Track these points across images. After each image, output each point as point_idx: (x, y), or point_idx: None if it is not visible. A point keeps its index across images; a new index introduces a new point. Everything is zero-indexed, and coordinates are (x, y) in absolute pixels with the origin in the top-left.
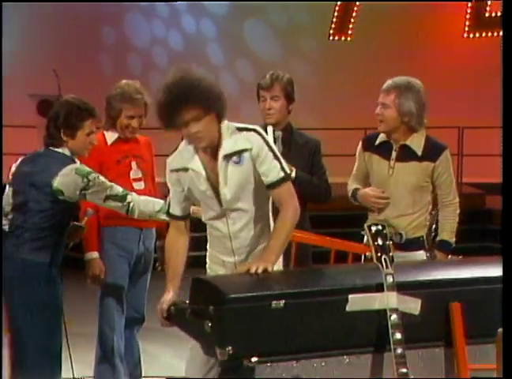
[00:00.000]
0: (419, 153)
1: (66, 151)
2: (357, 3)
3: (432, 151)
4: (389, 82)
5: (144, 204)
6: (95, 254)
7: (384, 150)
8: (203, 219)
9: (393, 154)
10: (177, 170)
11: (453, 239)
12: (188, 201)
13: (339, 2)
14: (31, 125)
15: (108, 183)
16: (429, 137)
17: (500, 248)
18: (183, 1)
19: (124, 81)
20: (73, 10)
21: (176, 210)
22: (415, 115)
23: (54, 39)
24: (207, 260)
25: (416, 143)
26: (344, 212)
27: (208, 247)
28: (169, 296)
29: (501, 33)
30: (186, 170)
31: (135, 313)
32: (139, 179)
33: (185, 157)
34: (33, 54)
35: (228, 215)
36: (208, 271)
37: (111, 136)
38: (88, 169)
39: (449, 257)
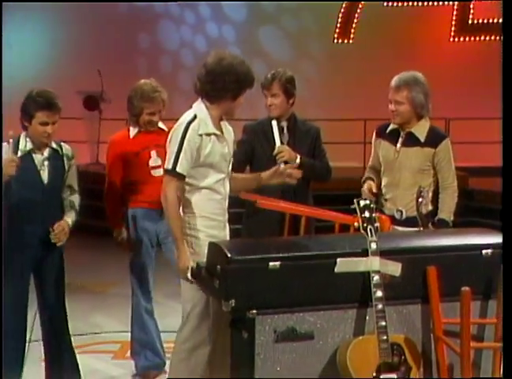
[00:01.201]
0: (422, 140)
1: (22, 136)
2: (358, 10)
3: (434, 139)
4: (397, 80)
5: None
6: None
7: (392, 137)
8: (205, 185)
9: (400, 140)
10: (200, 135)
11: (451, 218)
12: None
13: (342, 9)
14: (78, 117)
15: None
16: (433, 127)
17: (480, 222)
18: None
19: (142, 81)
20: (114, 18)
21: (185, 170)
22: (425, 105)
23: (98, 44)
24: (200, 227)
25: (420, 131)
26: (346, 191)
27: (201, 214)
28: (187, 254)
29: (483, 38)
30: (210, 135)
31: None
32: (158, 167)
33: (209, 125)
34: (80, 56)
35: (227, 178)
36: (201, 236)
37: (132, 131)
38: None
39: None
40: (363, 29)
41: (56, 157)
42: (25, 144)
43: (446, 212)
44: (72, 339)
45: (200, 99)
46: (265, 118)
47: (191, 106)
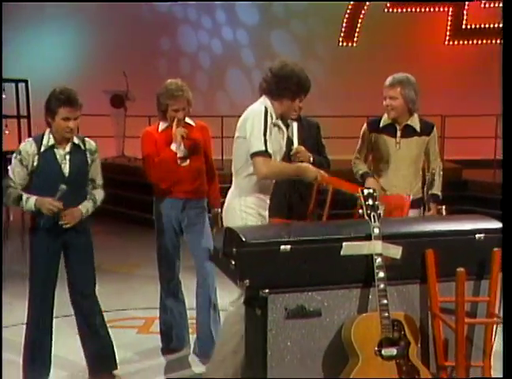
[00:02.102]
0: (418, 130)
1: (46, 132)
2: (361, 16)
3: (426, 128)
4: (391, 79)
5: (12, 195)
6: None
7: (390, 130)
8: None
9: (398, 133)
10: (273, 124)
11: (440, 193)
12: None
13: (347, 15)
14: (105, 114)
15: (13, 174)
16: (421, 117)
17: (473, 210)
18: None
19: (169, 81)
20: (138, 23)
21: (270, 149)
22: (415, 101)
23: (123, 47)
24: (253, 206)
25: (415, 122)
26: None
27: (255, 195)
28: (309, 166)
29: (475, 41)
30: (276, 125)
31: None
32: (184, 158)
33: (274, 117)
34: (107, 58)
35: None
36: (253, 213)
37: (162, 125)
38: (20, 150)
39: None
40: (366, 33)
41: (78, 151)
42: (48, 139)
43: (438, 187)
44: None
45: (263, 97)
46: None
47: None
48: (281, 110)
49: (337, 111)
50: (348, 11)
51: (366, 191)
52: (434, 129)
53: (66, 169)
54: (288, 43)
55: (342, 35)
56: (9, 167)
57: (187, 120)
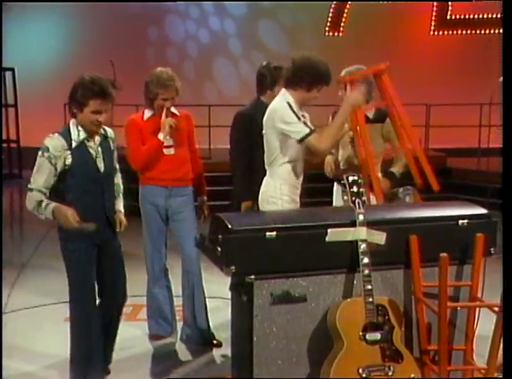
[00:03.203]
0: (371, 117)
1: (72, 125)
2: (347, 6)
3: (380, 116)
4: (344, 71)
5: (34, 199)
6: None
7: None
8: (293, 159)
9: None
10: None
11: (399, 173)
12: None
13: (333, 5)
14: None
15: (32, 173)
16: (377, 107)
17: (457, 197)
18: (209, 2)
19: (159, 69)
20: (126, 13)
21: (312, 126)
22: (367, 92)
23: (111, 36)
24: (286, 192)
25: (369, 111)
26: None
27: (289, 182)
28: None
29: (460, 32)
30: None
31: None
32: (169, 146)
33: (296, 109)
34: (94, 47)
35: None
36: (286, 199)
37: (147, 113)
38: (48, 147)
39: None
40: (352, 23)
41: (105, 142)
42: (77, 133)
43: (398, 167)
44: None
45: (284, 89)
46: (257, 105)
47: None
48: (298, 100)
49: (325, 101)
50: (335, 1)
51: (351, 178)
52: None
53: (101, 164)
54: (275, 33)
55: (328, 25)
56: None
57: (172, 109)
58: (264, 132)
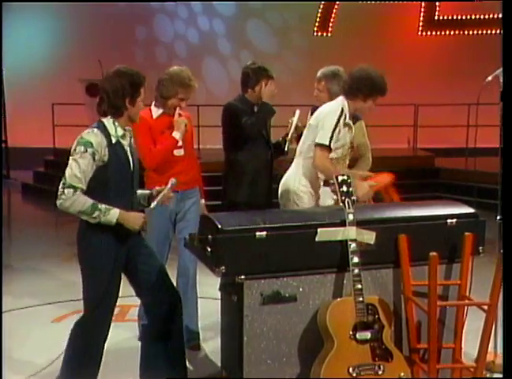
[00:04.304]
0: None
1: (108, 122)
2: (336, 6)
3: (352, 120)
4: (319, 73)
5: (79, 200)
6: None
7: None
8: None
9: None
10: (345, 124)
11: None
12: None
13: (321, 5)
14: (80, 102)
15: (73, 171)
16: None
17: (445, 196)
18: (198, 2)
19: (177, 68)
20: (114, 12)
21: (332, 145)
22: (340, 94)
23: (99, 36)
24: (300, 187)
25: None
26: None
27: (301, 180)
28: (363, 183)
29: (447, 32)
30: (347, 125)
31: None
32: (179, 147)
33: (346, 118)
34: (82, 47)
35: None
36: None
37: (156, 111)
38: (91, 142)
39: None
40: (341, 23)
41: (130, 139)
42: (115, 129)
43: (362, 168)
44: (74, 304)
45: (343, 97)
46: (242, 101)
47: None
48: (353, 110)
49: (313, 100)
50: (323, 1)
51: (340, 178)
52: (360, 122)
53: (131, 161)
54: (264, 33)
55: (317, 25)
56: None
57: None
58: (309, 122)
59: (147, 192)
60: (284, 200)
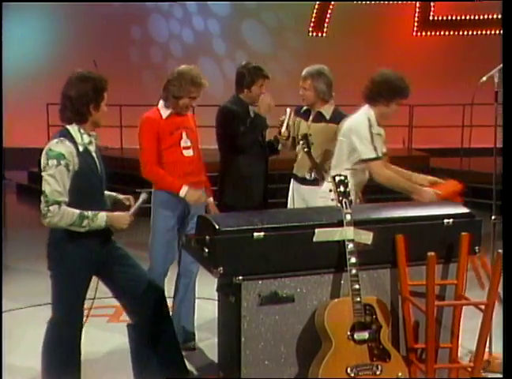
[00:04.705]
0: (328, 117)
1: (74, 129)
2: (330, 7)
3: (337, 117)
4: (305, 71)
5: (67, 214)
6: (184, 189)
7: (306, 115)
8: (351, 167)
9: (311, 117)
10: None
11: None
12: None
13: (317, 5)
14: None
15: (52, 187)
16: (336, 108)
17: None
18: (192, 2)
19: (186, 66)
20: (109, 13)
21: (381, 153)
22: (326, 92)
23: (94, 36)
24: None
25: (327, 110)
26: None
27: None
28: (426, 189)
29: (442, 33)
30: (377, 134)
31: None
32: (188, 147)
33: (375, 127)
34: (77, 47)
35: None
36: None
37: (164, 112)
38: (63, 153)
39: None
40: (335, 24)
41: (96, 145)
42: (81, 136)
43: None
44: None
45: (367, 105)
46: (237, 102)
47: None
48: (378, 115)
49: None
50: (318, 2)
51: (337, 178)
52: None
53: (99, 167)
54: (259, 33)
55: (312, 25)
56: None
57: None
58: (338, 137)
59: (113, 194)
60: None
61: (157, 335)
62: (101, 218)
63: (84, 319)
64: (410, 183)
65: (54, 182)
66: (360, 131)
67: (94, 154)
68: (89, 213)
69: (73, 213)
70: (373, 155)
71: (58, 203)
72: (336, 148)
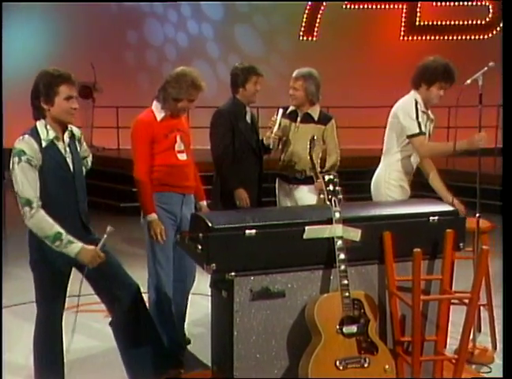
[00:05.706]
0: (316, 118)
1: (40, 125)
2: (320, 11)
3: (324, 118)
4: (296, 72)
5: (41, 224)
6: (153, 216)
7: (293, 116)
8: (410, 153)
9: (299, 118)
10: (422, 112)
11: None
12: None
13: (307, 10)
14: None
15: (19, 185)
16: (321, 110)
17: (427, 195)
18: (186, 2)
19: (186, 68)
20: (105, 17)
21: (425, 130)
22: (315, 94)
23: (91, 39)
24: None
25: (314, 112)
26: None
27: (403, 171)
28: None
29: (428, 37)
30: (423, 112)
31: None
32: (182, 151)
33: (421, 106)
34: (75, 50)
35: None
36: (404, 185)
37: (159, 114)
38: (23, 150)
39: None
40: (325, 28)
41: (72, 139)
42: (46, 132)
43: (329, 164)
44: (66, 300)
45: (412, 90)
46: (234, 103)
47: None
48: (422, 99)
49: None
50: (308, 6)
51: (326, 177)
52: (332, 121)
53: (71, 162)
54: (251, 37)
55: (303, 29)
56: (16, 178)
57: None
58: (389, 120)
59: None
60: (375, 193)
61: (137, 332)
62: (73, 248)
63: (77, 314)
64: (451, 143)
65: (20, 180)
66: (407, 108)
67: (65, 149)
68: (64, 237)
69: (51, 227)
70: (416, 131)
71: (30, 202)
72: (387, 132)
